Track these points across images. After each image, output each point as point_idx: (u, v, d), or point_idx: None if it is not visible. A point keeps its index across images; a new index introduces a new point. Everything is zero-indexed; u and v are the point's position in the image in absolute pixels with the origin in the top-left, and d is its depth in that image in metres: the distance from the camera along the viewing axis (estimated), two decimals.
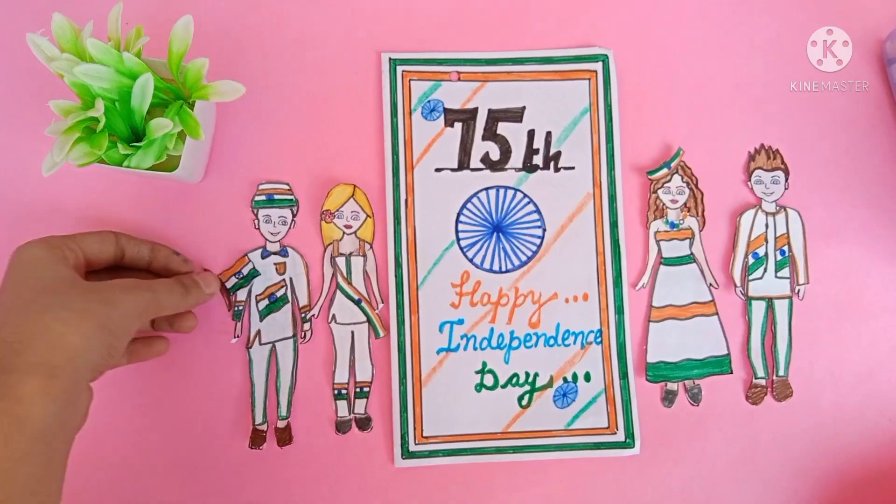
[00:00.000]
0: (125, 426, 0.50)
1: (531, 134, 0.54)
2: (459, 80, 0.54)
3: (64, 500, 0.49)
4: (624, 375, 0.52)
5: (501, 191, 0.53)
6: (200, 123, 0.45)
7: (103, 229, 0.47)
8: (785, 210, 0.54)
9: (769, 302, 0.53)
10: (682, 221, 0.53)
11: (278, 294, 0.52)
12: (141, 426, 0.50)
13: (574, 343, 0.52)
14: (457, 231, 0.53)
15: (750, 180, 0.54)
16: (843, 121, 0.54)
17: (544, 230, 0.53)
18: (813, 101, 0.55)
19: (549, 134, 0.54)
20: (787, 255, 0.53)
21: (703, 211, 0.53)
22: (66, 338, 0.38)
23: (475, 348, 0.52)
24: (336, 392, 0.51)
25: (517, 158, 0.54)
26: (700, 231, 0.53)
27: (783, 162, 0.54)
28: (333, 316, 0.52)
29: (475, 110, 0.54)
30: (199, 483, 0.50)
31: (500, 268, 0.53)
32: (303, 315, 0.52)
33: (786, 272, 0.53)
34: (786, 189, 0.54)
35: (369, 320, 0.52)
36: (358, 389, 0.51)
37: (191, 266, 0.50)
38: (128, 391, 0.50)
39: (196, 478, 0.50)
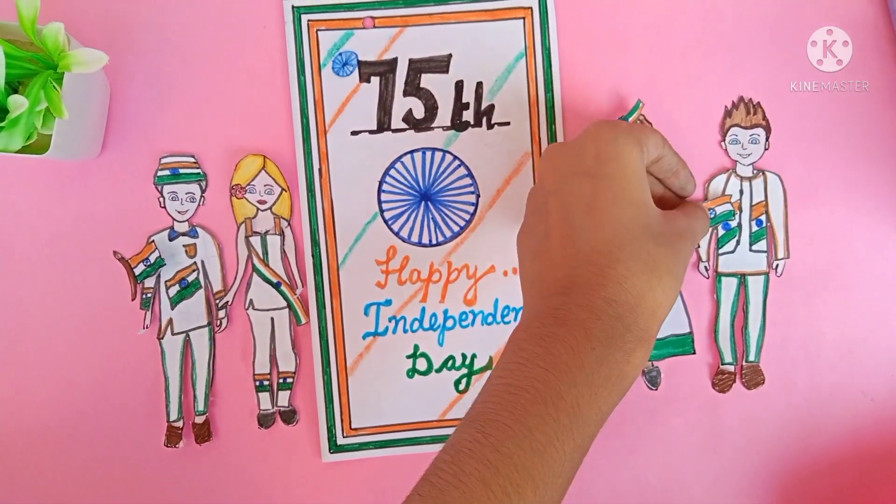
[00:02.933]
0: (29, 426, 0.47)
1: (459, 86, 0.47)
2: (374, 26, 0.47)
3: None
4: None
5: (428, 153, 0.47)
6: (66, 97, 0.39)
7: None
8: (763, 174, 0.47)
9: (742, 279, 0.47)
10: None
11: (189, 279, 0.47)
12: (45, 429, 0.47)
13: (515, 320, 0.47)
14: (379, 202, 0.47)
15: (724, 140, 0.47)
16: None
17: (478, 196, 0.47)
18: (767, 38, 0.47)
19: (479, 85, 0.47)
20: (763, 225, 0.47)
21: None
22: (662, 307, 0.34)
23: (405, 331, 0.47)
24: (257, 384, 0.47)
25: (445, 115, 0.47)
26: None
27: (765, 117, 0.47)
28: (251, 301, 0.47)
29: (394, 61, 0.47)
30: (112, 487, 0.47)
31: (431, 240, 0.47)
32: (217, 301, 0.47)
33: (762, 245, 0.47)
34: (766, 150, 0.47)
35: (290, 305, 0.47)
36: (281, 380, 0.47)
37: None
38: (30, 389, 0.47)
39: (108, 481, 0.47)
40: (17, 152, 0.40)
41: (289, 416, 0.47)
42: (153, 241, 0.47)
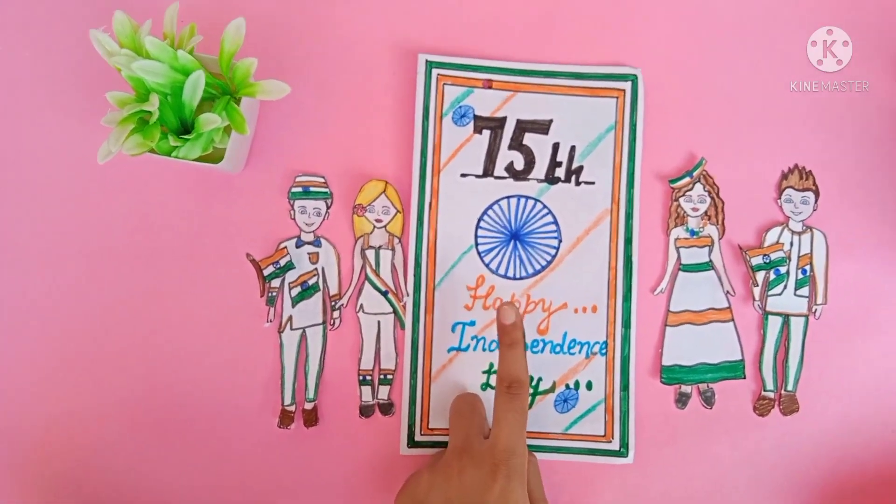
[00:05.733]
0: (162, 402, 0.53)
1: (556, 147, 0.55)
2: (491, 88, 0.55)
3: (100, 471, 0.53)
4: (625, 387, 0.54)
5: (522, 200, 0.55)
6: (246, 119, 0.47)
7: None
8: (811, 230, 0.55)
9: (786, 318, 0.55)
10: (701, 229, 0.55)
11: (310, 282, 0.54)
12: (176, 405, 0.53)
13: (579, 352, 0.54)
14: (476, 236, 0.55)
15: (780, 198, 0.55)
16: (862, 131, 0.55)
17: (560, 241, 0.55)
18: (829, 107, 0.55)
19: (573, 148, 0.55)
20: (808, 274, 0.55)
21: (723, 220, 0.55)
22: None
23: (484, 349, 0.54)
24: (361, 378, 0.54)
25: (540, 170, 0.55)
26: (719, 239, 0.55)
27: (815, 183, 0.55)
28: (361, 305, 0.54)
29: (504, 119, 0.55)
30: (228, 457, 0.53)
31: (515, 275, 0.55)
32: (333, 303, 0.54)
33: (805, 291, 0.55)
34: (814, 210, 0.55)
35: (395, 311, 0.54)
36: (382, 376, 0.54)
37: None
38: (164, 369, 0.54)
39: (227, 454, 0.53)
40: (192, 160, 0.48)
41: (386, 408, 0.54)
42: (285, 246, 0.54)
